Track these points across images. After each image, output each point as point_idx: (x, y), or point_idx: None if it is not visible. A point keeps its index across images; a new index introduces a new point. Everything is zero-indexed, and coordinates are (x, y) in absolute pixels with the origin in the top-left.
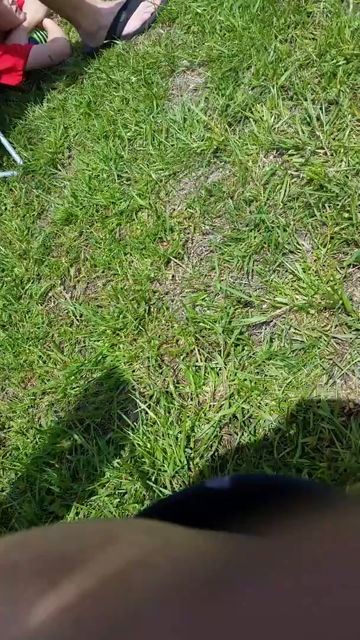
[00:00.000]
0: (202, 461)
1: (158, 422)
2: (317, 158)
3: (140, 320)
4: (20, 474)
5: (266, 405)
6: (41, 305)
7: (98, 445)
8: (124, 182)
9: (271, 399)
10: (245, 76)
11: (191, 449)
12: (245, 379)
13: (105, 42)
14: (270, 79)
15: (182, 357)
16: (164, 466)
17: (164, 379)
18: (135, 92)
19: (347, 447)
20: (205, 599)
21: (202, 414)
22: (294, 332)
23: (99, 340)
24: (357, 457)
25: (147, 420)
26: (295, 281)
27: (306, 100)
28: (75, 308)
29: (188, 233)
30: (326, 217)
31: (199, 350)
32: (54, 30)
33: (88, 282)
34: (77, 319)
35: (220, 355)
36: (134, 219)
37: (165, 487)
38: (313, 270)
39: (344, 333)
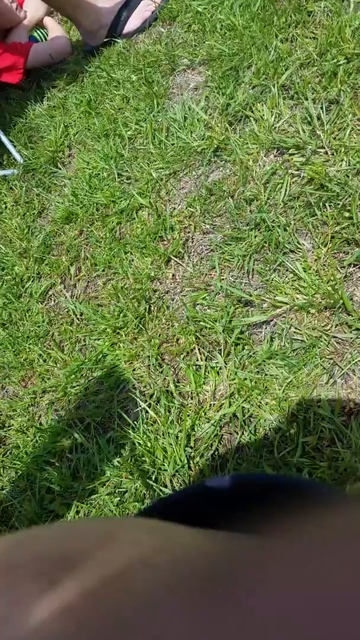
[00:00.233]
0: (202, 460)
1: (158, 421)
2: (318, 157)
3: (140, 319)
4: (20, 473)
5: (266, 404)
6: (41, 303)
7: (98, 444)
8: (125, 180)
9: (271, 398)
10: (246, 75)
11: (191, 448)
12: (246, 378)
13: (105, 40)
14: (271, 78)
15: (182, 356)
16: (164, 465)
17: (165, 378)
18: (136, 90)
19: (347, 447)
20: (206, 599)
21: (203, 413)
22: (295, 332)
23: (99, 339)
24: (358, 456)
25: (147, 419)
26: (295, 280)
27: (307, 99)
28: (75, 307)
29: (188, 232)
30: (327, 216)
31: (199, 349)
32: (55, 28)
33: (88, 281)
34: (78, 318)
35: (220, 354)
36: (134, 218)
37: (166, 486)
38: (313, 269)
39: (345, 332)
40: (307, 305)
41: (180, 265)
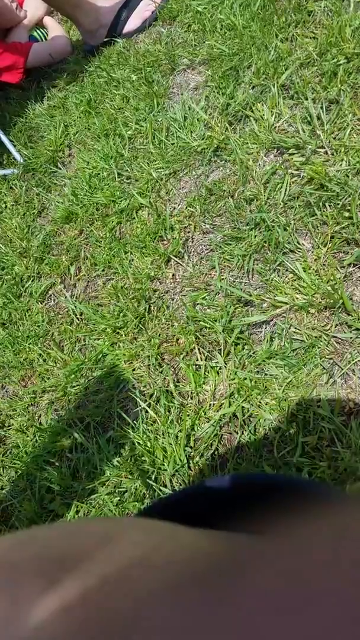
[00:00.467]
0: (202, 460)
1: (158, 421)
2: (318, 157)
3: (140, 318)
4: (20, 472)
5: (266, 404)
6: (41, 303)
7: (98, 444)
8: (125, 180)
9: (271, 398)
10: (246, 75)
11: (191, 447)
12: (246, 378)
13: (105, 40)
14: (271, 77)
15: (182, 355)
16: (164, 465)
17: (164, 378)
18: (136, 90)
19: (347, 447)
20: (206, 599)
21: (202, 413)
22: (294, 331)
23: (99, 339)
24: (357, 456)
25: (147, 418)
26: (295, 280)
27: (307, 99)
28: (75, 306)
29: (188, 232)
30: (327, 216)
31: (199, 349)
32: (55, 28)
33: (88, 281)
34: (77, 318)
35: (220, 354)
36: (134, 218)
37: (165, 486)
38: (313, 269)
39: (344, 332)
40: (306, 305)
41: (180, 265)
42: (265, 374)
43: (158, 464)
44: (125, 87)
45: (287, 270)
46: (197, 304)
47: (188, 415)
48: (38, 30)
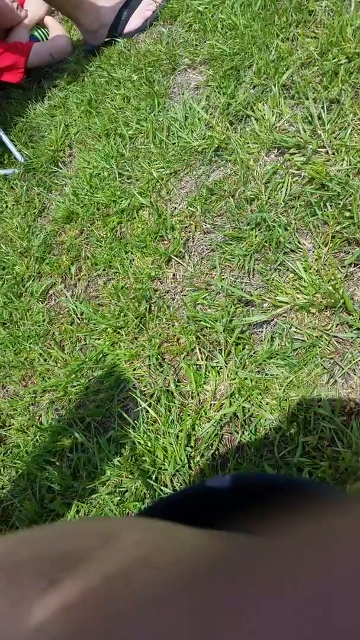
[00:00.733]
0: (202, 460)
1: (159, 421)
2: (319, 157)
3: (141, 318)
4: (20, 472)
5: (267, 404)
6: (42, 303)
7: (99, 444)
8: (125, 180)
9: (272, 398)
10: (247, 74)
11: (192, 447)
12: (246, 378)
13: (106, 40)
14: (272, 77)
15: (183, 355)
16: (164, 465)
17: (165, 378)
18: (137, 90)
19: (347, 447)
20: (207, 599)
21: (203, 413)
22: (295, 331)
23: (99, 339)
24: (358, 456)
25: (147, 418)
26: (296, 280)
27: (308, 99)
28: (76, 306)
29: (189, 232)
30: (327, 216)
31: (199, 349)
32: (55, 27)
33: (89, 281)
34: (78, 317)
35: (221, 354)
36: (135, 218)
37: (166, 486)
38: (314, 269)
39: (345, 332)
40: (307, 305)
41: (181, 264)
42: (266, 374)
43: (159, 464)
44: (126, 87)
45: (288, 270)
46: (198, 303)
47: (189, 415)
48: (39, 30)
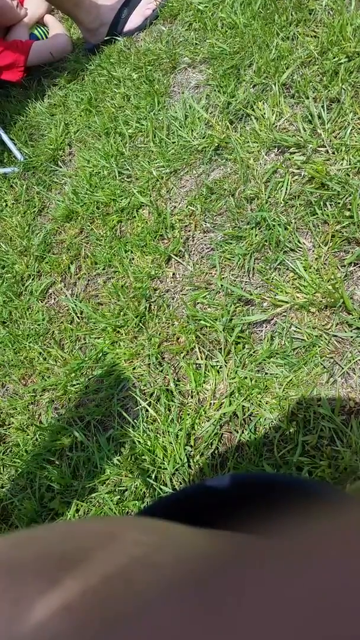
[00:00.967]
0: (202, 459)
1: (158, 420)
2: (319, 156)
3: (140, 317)
4: (20, 471)
5: (267, 403)
6: (41, 302)
7: (98, 443)
8: (125, 179)
9: (272, 397)
10: (247, 73)
11: (191, 446)
12: (246, 377)
13: (106, 38)
14: (272, 76)
15: (182, 354)
16: (164, 464)
17: (165, 377)
18: (137, 89)
19: (347, 446)
20: (207, 598)
21: (203, 412)
22: (295, 331)
23: (99, 338)
24: (358, 455)
25: (147, 417)
26: (296, 279)
27: (308, 98)
28: (75, 305)
29: (189, 231)
30: (327, 215)
31: (199, 348)
32: (55, 26)
33: (88, 280)
34: (78, 316)
35: (220, 353)
36: (134, 216)
37: (166, 485)
38: (314, 268)
39: (345, 331)
40: (307, 304)
41: (181, 263)
42: (266, 373)
43: (158, 463)
44: (126, 86)
45: (287, 269)
46: (198, 303)
47: (188, 414)
48: (39, 29)
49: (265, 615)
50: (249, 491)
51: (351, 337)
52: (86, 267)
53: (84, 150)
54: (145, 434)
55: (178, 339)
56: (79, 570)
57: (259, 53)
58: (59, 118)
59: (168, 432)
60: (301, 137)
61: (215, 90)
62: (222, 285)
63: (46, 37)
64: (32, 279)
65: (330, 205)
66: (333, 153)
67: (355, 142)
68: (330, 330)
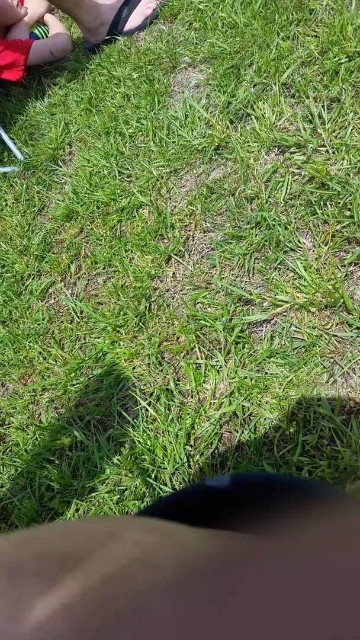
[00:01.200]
0: (202, 459)
1: (158, 420)
2: (319, 156)
3: (140, 317)
4: (20, 470)
5: (267, 403)
6: (41, 301)
7: (98, 442)
8: (125, 178)
9: (272, 397)
10: (247, 73)
11: (191, 446)
12: (246, 377)
13: (106, 38)
14: (272, 76)
15: (182, 354)
16: (164, 463)
17: (165, 376)
18: (137, 88)
19: (347, 446)
20: (207, 598)
21: (203, 412)
22: (295, 330)
23: (99, 337)
24: (358, 455)
25: (147, 417)
26: (296, 279)
27: (308, 97)
28: (75, 305)
29: (189, 230)
30: (327, 215)
31: (199, 347)
32: (55, 25)
33: (88, 279)
34: (78, 316)
35: (220, 352)
36: (134, 216)
37: (165, 484)
38: (314, 268)
39: (345, 331)
40: (307, 304)
41: (181, 263)
42: (266, 373)
43: (158, 463)
44: (126, 85)
45: (287, 269)
46: (198, 302)
47: (188, 414)
48: (39, 28)
49: (266, 615)
50: (248, 491)
51: (351, 337)
52: (86, 266)
53: (84, 149)
54: (145, 434)
55: (178, 338)
56: (79, 570)
57: (260, 53)
58: (59, 117)
59: (168, 431)
60: (301, 136)
61: (215, 89)
62: (222, 285)
63: (46, 37)
64: (32, 279)
65: (331, 205)
66: (333, 153)
67: (356, 141)
68: (330, 330)
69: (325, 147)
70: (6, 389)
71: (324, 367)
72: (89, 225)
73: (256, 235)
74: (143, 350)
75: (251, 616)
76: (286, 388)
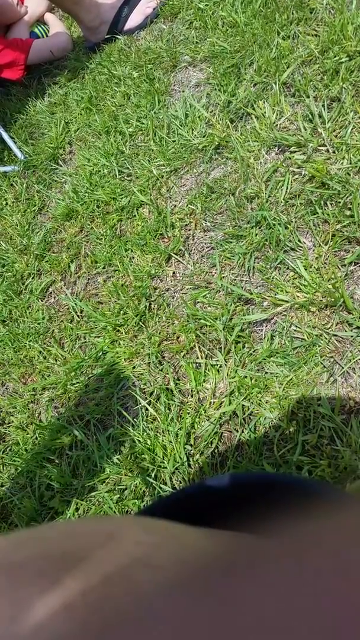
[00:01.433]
0: (202, 458)
1: (158, 419)
2: (319, 155)
3: (140, 316)
4: (20, 470)
5: (266, 402)
6: (42, 300)
7: (98, 442)
8: (125, 177)
9: (271, 397)
10: (248, 72)
11: (191, 445)
12: (246, 376)
13: (106, 37)
14: (273, 75)
15: (182, 353)
16: (163, 463)
17: (165, 376)
18: (137, 87)
19: (347, 445)
20: (208, 598)
21: (202, 411)
22: (295, 330)
23: (99, 337)
24: (357, 455)
25: (147, 416)
26: (296, 279)
27: (308, 97)
28: (75, 304)
29: (189, 230)
30: (328, 214)
31: (199, 347)
32: (56, 24)
33: (89, 278)
34: (78, 315)
35: (220, 352)
36: (135, 215)
37: (165, 484)
38: (314, 267)
39: (345, 331)
40: (307, 304)
41: (181, 262)
42: (266, 372)
43: (158, 462)
44: (126, 84)
45: (288, 268)
46: (198, 302)
47: (188, 413)
48: (39, 27)
49: (266, 616)
50: (248, 491)
51: (351, 336)
52: (86, 265)
53: (84, 148)
54: (145, 433)
55: (178, 338)
56: (79, 570)
57: (260, 52)
58: (59, 116)
59: (168, 431)
60: (302, 136)
61: (215, 89)
62: (222, 285)
63: (46, 36)
64: (32, 278)
65: (331, 204)
66: (334, 152)
67: (356, 141)
68: (330, 329)
69: (326, 146)
70: (6, 388)
71: (324, 366)
72: (89, 225)
73: (256, 234)
74: (143, 350)
75: (252, 616)
76: (286, 387)
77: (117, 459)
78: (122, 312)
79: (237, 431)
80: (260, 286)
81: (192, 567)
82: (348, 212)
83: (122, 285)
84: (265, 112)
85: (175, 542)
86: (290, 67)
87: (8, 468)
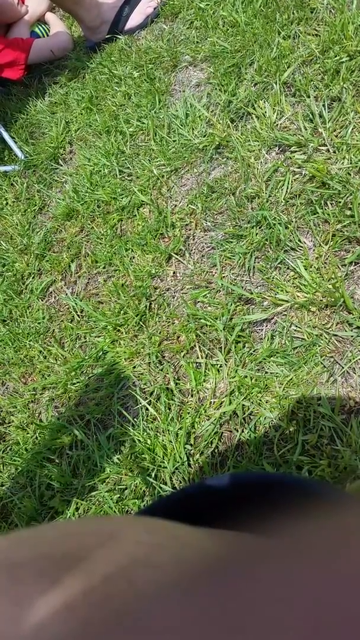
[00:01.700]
0: (202, 458)
1: (158, 419)
2: (320, 155)
3: (141, 316)
4: (20, 469)
5: (267, 402)
6: (42, 300)
7: (98, 441)
8: (126, 177)
9: (272, 396)
10: (248, 72)
11: (191, 445)
12: (246, 376)
13: (107, 36)
14: (273, 75)
15: (182, 353)
16: (164, 462)
17: (165, 376)
18: (138, 87)
19: (347, 445)
20: (208, 598)
21: (203, 411)
22: (295, 330)
23: (99, 336)
24: (357, 454)
25: (147, 416)
26: (296, 278)
27: (309, 97)
28: (76, 304)
29: (189, 229)
30: (328, 214)
31: (199, 346)
32: (56, 24)
33: (89, 278)
34: (78, 315)
35: (221, 352)
36: (135, 215)
37: (165, 483)
38: (314, 267)
39: (345, 331)
40: (307, 304)
41: (181, 262)
42: (266, 372)
43: (158, 462)
44: (126, 84)
45: (288, 268)
46: (198, 301)
47: (188, 413)
48: (39, 26)
49: (267, 616)
50: (248, 490)
51: (351, 336)
52: (86, 265)
53: (85, 148)
54: (145, 433)
55: (178, 337)
56: (80, 570)
57: (260, 51)
58: (59, 116)
59: (168, 430)
60: (302, 136)
61: (216, 88)
62: (222, 284)
63: (47, 35)
64: (33, 278)
65: (331, 204)
66: (334, 152)
67: (357, 141)
68: (330, 329)
69: (326, 146)
70: (6, 388)
71: (324, 366)
72: (89, 224)
73: (257, 234)
74: (143, 349)
75: (252, 616)
76: (286, 387)
77: (117, 458)
78: (122, 311)
79: (237, 431)
80: (260, 286)
81: (192, 567)
82: (348, 212)
83: (123, 285)
84: (265, 112)
85: (175, 542)
86: (291, 67)
87: (8, 467)
